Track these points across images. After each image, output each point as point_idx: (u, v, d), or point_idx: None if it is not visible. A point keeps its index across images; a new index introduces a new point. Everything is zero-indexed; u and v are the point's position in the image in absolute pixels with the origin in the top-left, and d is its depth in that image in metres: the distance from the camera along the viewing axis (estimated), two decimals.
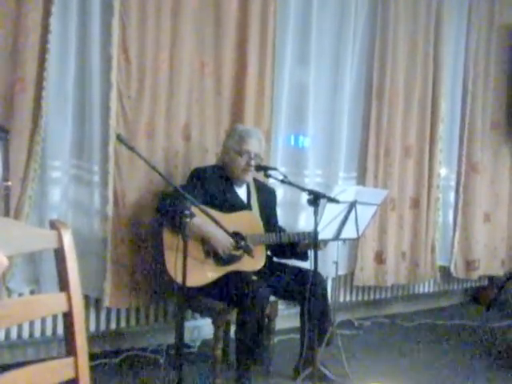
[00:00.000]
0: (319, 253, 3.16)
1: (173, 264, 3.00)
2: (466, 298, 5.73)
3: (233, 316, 3.31)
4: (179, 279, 2.87)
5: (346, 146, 4.58)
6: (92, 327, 3.70)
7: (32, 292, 3.46)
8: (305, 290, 3.31)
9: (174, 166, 3.82)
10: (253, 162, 3.50)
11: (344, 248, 4.43)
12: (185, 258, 2.80)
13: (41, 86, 3.30)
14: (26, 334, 3.52)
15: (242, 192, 3.64)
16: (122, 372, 3.58)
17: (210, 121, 3.95)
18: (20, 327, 3.49)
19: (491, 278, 5.64)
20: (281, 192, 4.20)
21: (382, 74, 4.65)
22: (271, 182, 3.83)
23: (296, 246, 3.56)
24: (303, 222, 4.32)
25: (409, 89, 4.82)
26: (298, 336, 3.54)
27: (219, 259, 3.36)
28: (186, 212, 2.82)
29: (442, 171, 5.12)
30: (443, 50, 4.95)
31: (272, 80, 4.16)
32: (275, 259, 3.73)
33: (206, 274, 3.33)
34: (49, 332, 3.58)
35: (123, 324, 3.84)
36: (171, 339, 3.86)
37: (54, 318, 3.54)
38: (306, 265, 3.48)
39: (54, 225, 1.50)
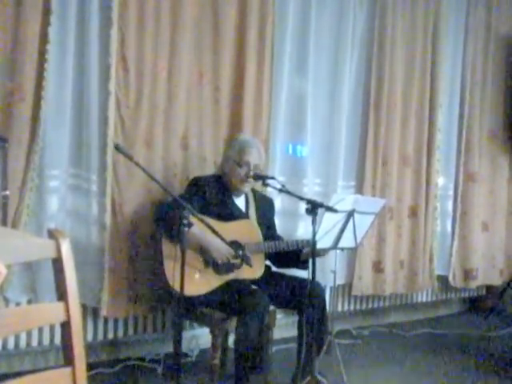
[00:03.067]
0: (317, 262, 3.16)
1: (172, 273, 3.00)
2: (464, 307, 5.72)
3: (231, 325, 3.31)
4: (178, 288, 2.86)
5: (344, 155, 4.59)
6: (89, 336, 3.69)
7: (29, 301, 3.45)
8: (303, 299, 3.31)
9: (173, 175, 3.83)
10: (251, 173, 3.51)
11: (342, 257, 4.42)
12: (183, 266, 2.80)
13: (39, 95, 3.31)
14: (23, 343, 3.51)
15: (240, 201, 3.64)
16: (119, 382, 3.57)
17: (208, 130, 3.96)
18: (17, 337, 3.47)
19: (489, 287, 5.64)
20: (279, 201, 4.20)
21: (380, 83, 4.67)
22: (269, 191, 3.84)
23: (296, 255, 3.55)
24: (302, 230, 4.31)
25: (406, 98, 4.83)
26: (295, 345, 3.53)
27: (218, 268, 3.35)
28: (184, 221, 2.82)
29: (440, 180, 5.13)
30: (441, 60, 4.96)
31: (270, 89, 4.17)
32: (274, 268, 3.72)
33: (204, 284, 3.32)
34: (46, 342, 3.56)
35: (121, 333, 3.83)
36: (169, 348, 3.85)
37: (52, 327, 3.53)
38: (304, 274, 3.47)
39: (52, 234, 1.50)
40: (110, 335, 3.79)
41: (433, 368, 4.06)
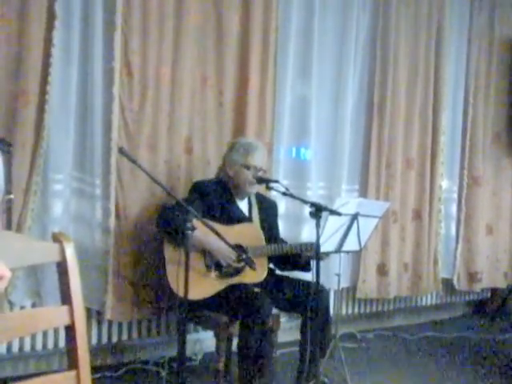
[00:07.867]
0: (321, 265, 3.15)
1: (174, 277, 3.00)
2: (468, 311, 5.71)
3: (235, 329, 3.30)
4: (181, 292, 2.86)
5: (348, 158, 4.59)
6: (94, 340, 3.69)
7: (34, 305, 3.46)
8: (307, 303, 3.30)
9: (176, 178, 3.83)
10: (260, 174, 3.51)
11: (346, 260, 4.42)
12: (187, 271, 2.80)
13: (43, 99, 3.32)
14: (27, 346, 3.51)
15: (243, 205, 3.64)
16: None
17: (211, 134, 3.96)
18: (22, 340, 3.48)
19: (494, 290, 5.63)
20: (283, 204, 4.19)
21: (384, 86, 4.67)
22: (273, 194, 3.84)
23: (298, 258, 3.55)
24: (306, 234, 4.31)
25: (410, 101, 4.83)
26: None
27: (221, 272, 3.35)
28: (188, 225, 2.82)
29: (444, 183, 5.13)
30: (444, 63, 4.96)
31: (274, 93, 4.17)
32: (277, 272, 3.72)
33: (207, 288, 3.32)
34: (50, 345, 3.57)
35: (125, 337, 3.83)
36: (173, 352, 3.83)
37: (56, 331, 3.53)
38: (308, 277, 3.47)
39: (56, 238, 1.50)
40: (114, 339, 3.79)
41: (437, 371, 4.05)
